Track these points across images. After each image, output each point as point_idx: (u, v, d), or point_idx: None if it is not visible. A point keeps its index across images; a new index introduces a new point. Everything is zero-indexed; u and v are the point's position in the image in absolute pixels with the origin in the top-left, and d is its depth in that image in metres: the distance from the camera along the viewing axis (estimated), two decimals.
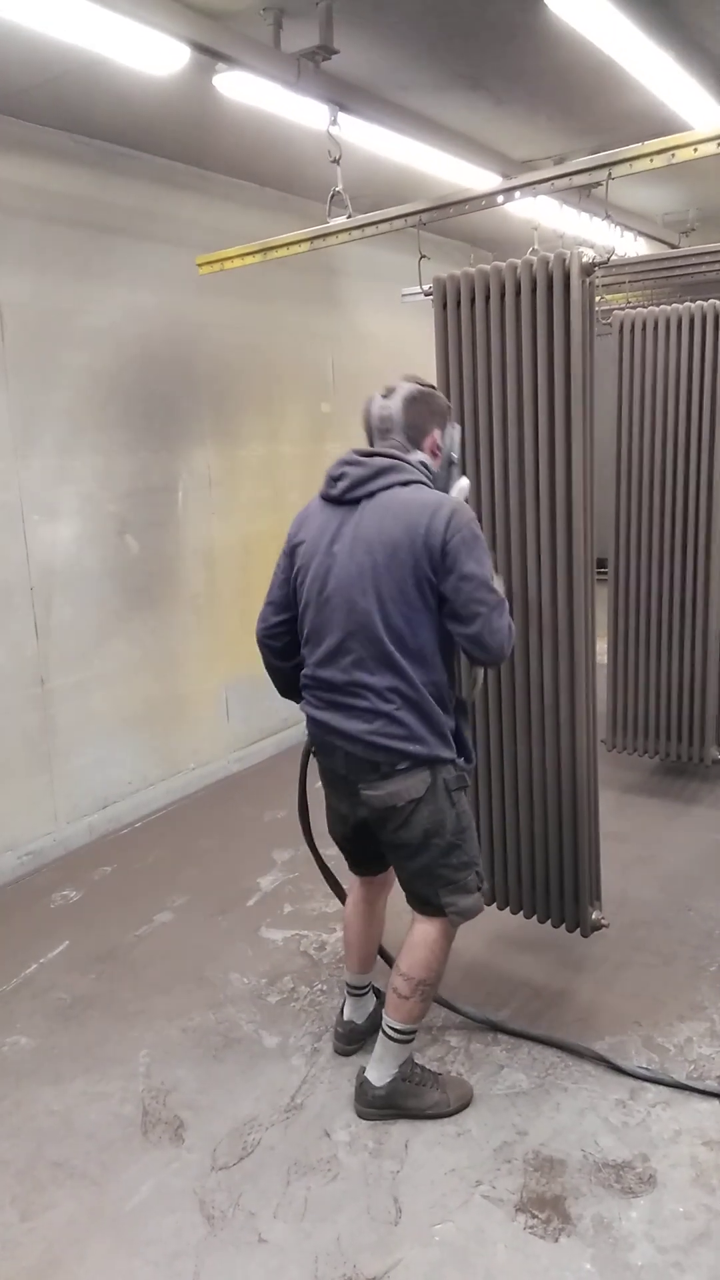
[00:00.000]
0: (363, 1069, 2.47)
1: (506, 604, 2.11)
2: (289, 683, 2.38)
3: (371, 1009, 2.63)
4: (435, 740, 2.13)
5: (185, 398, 4.43)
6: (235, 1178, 2.22)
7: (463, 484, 2.29)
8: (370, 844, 2.35)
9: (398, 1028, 2.30)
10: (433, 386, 2.26)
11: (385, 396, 2.19)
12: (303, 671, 2.27)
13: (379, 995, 2.65)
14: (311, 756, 2.40)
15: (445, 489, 2.22)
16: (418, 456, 2.18)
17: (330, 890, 2.81)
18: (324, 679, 2.18)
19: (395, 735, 2.09)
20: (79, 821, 4.07)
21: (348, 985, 2.62)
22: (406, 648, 2.08)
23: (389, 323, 5.43)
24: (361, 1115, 2.37)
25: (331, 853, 2.63)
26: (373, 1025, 2.55)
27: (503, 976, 2.91)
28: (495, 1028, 2.67)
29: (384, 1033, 2.33)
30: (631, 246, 5.16)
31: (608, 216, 2.82)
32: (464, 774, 2.23)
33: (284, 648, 2.35)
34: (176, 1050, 2.68)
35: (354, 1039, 2.61)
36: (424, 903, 2.27)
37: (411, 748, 2.10)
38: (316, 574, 2.17)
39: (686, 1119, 2.31)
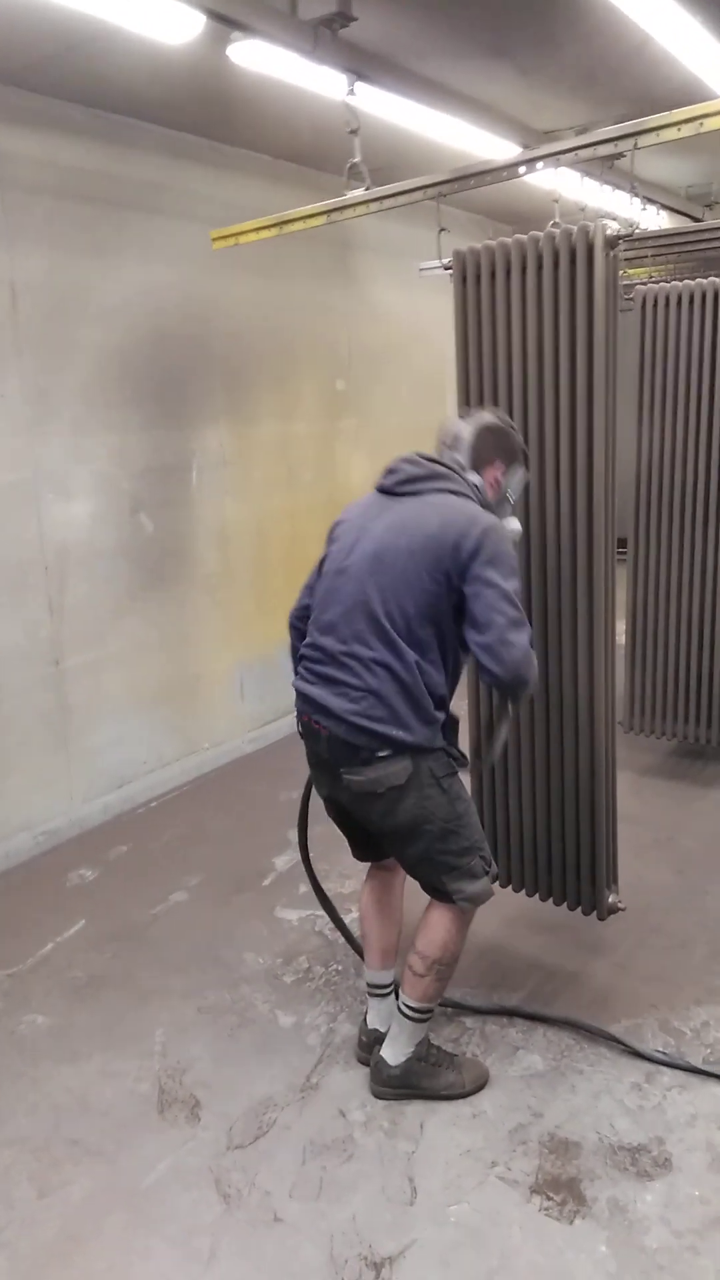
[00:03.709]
0: (378, 1048, 2.48)
1: (528, 627, 2.11)
2: None
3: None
4: (421, 727, 2.10)
5: (199, 375, 4.39)
6: (251, 1157, 2.23)
7: (513, 526, 2.33)
8: (361, 827, 2.34)
9: (413, 1005, 2.30)
10: (513, 428, 2.32)
11: (463, 418, 2.28)
12: (304, 641, 2.28)
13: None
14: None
15: None
16: (474, 478, 2.23)
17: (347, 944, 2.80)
18: (321, 646, 2.19)
19: (379, 718, 2.07)
20: (95, 801, 4.08)
21: (369, 985, 2.52)
22: (407, 633, 2.08)
23: (406, 298, 5.36)
24: (377, 1095, 2.37)
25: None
26: None
27: (518, 958, 2.90)
28: (510, 1013, 2.66)
29: (399, 1010, 2.33)
30: (654, 220, 5.06)
31: (633, 189, 2.74)
32: (454, 761, 2.20)
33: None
34: (192, 1029, 2.69)
35: (377, 1048, 2.46)
36: (432, 888, 2.26)
37: (395, 733, 2.08)
38: (344, 545, 2.22)
39: (703, 1103, 2.30)
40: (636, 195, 4.10)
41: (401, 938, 2.49)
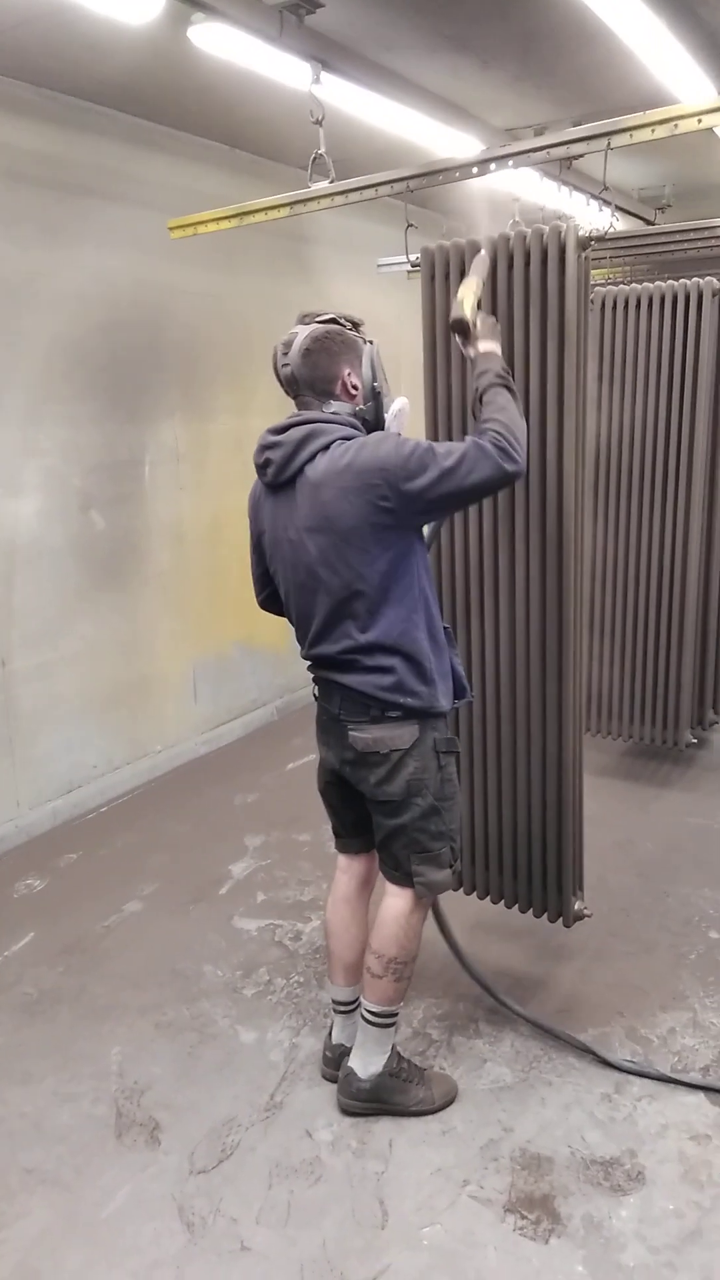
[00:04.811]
0: (345, 1059, 2.42)
1: (472, 441, 1.93)
2: None
3: None
4: (426, 690, 2.08)
5: (154, 367, 4.27)
6: (215, 1182, 2.15)
7: (399, 405, 2.10)
8: (351, 800, 2.29)
9: (374, 1010, 2.24)
10: (330, 319, 2.07)
11: (285, 353, 2.05)
12: (302, 654, 2.23)
13: None
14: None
15: (380, 419, 2.08)
16: (334, 405, 2.06)
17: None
18: (320, 656, 2.16)
19: (387, 687, 2.06)
20: (42, 807, 3.94)
21: (333, 1001, 2.42)
22: (383, 600, 2.02)
23: (363, 293, 5.28)
24: (345, 1109, 2.30)
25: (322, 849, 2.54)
26: None
27: (483, 966, 2.85)
28: (501, 1003, 2.62)
29: (362, 1016, 2.27)
30: (609, 221, 5.06)
31: (603, 189, 2.71)
32: (454, 739, 2.20)
33: (281, 610, 2.32)
34: (150, 1047, 2.60)
35: (343, 1064, 2.39)
36: (395, 867, 2.21)
37: (404, 699, 2.07)
38: (285, 563, 2.14)
39: (672, 1112, 2.29)
40: (601, 197, 4.09)
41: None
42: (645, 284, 3.70)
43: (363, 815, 2.30)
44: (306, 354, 2.03)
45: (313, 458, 2.01)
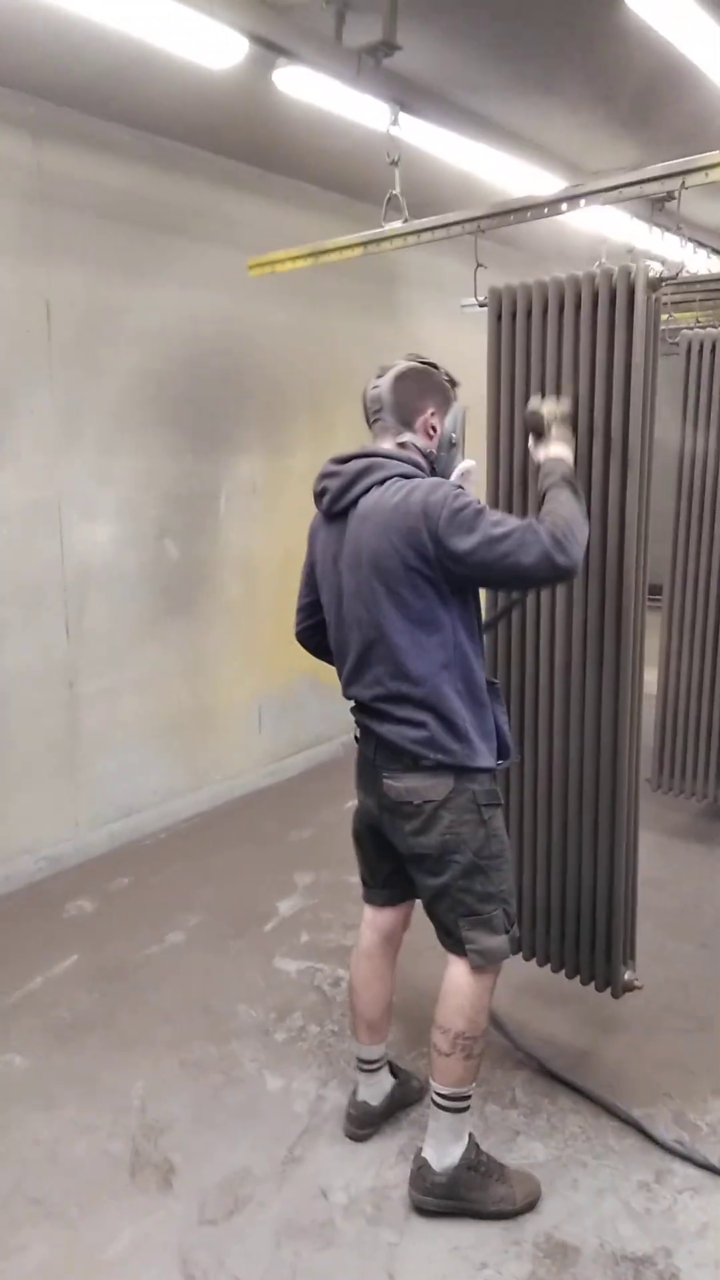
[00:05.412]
0: (371, 1118, 2.32)
1: (530, 523, 1.86)
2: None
3: (390, 1089, 2.36)
4: (461, 749, 1.97)
5: (233, 402, 4.33)
6: (222, 1234, 2.08)
7: (466, 466, 2.09)
8: (385, 849, 2.18)
9: (443, 1093, 2.06)
10: (433, 365, 2.09)
11: (378, 377, 2.07)
12: (343, 694, 2.17)
13: (396, 1072, 2.41)
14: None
15: (446, 472, 2.07)
16: (407, 436, 2.04)
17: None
18: (355, 697, 2.10)
19: (418, 741, 1.98)
20: (100, 829, 3.98)
21: (358, 1060, 2.33)
22: (411, 649, 1.95)
23: (449, 334, 5.26)
24: (417, 1206, 2.09)
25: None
26: (391, 1108, 2.36)
27: (526, 1031, 2.72)
28: (542, 1067, 2.50)
29: (433, 1102, 2.09)
30: (705, 264, 4.95)
31: (679, 229, 2.63)
32: (495, 791, 2.07)
33: (319, 645, 2.29)
34: (174, 1084, 2.55)
35: (367, 1123, 2.33)
36: (446, 933, 2.08)
37: (436, 755, 1.97)
38: (331, 594, 2.11)
39: (716, 1210, 2.11)
40: (684, 238, 3.98)
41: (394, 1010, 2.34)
42: None
43: (397, 868, 2.20)
44: (400, 378, 2.04)
45: (367, 490, 1.98)
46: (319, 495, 2.09)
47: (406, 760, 2.00)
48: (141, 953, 3.21)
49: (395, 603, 1.93)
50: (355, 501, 2.00)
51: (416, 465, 2.02)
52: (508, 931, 2.07)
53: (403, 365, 2.07)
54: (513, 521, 1.86)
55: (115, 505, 3.86)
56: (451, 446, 2.08)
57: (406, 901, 2.29)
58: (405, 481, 1.96)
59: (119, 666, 3.97)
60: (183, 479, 4.13)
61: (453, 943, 2.07)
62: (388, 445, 2.06)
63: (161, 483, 4.04)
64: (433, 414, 2.06)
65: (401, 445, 2.05)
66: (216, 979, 3.05)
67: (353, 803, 2.29)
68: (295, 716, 4.88)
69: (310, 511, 2.22)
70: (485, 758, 2.02)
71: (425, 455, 2.06)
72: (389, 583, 1.92)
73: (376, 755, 2.07)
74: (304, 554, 2.27)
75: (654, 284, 2.10)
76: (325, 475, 2.08)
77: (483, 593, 2.12)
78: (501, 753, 2.08)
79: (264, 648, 4.60)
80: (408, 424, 2.05)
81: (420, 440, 2.06)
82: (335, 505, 2.04)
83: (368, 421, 2.12)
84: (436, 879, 2.03)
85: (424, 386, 2.06)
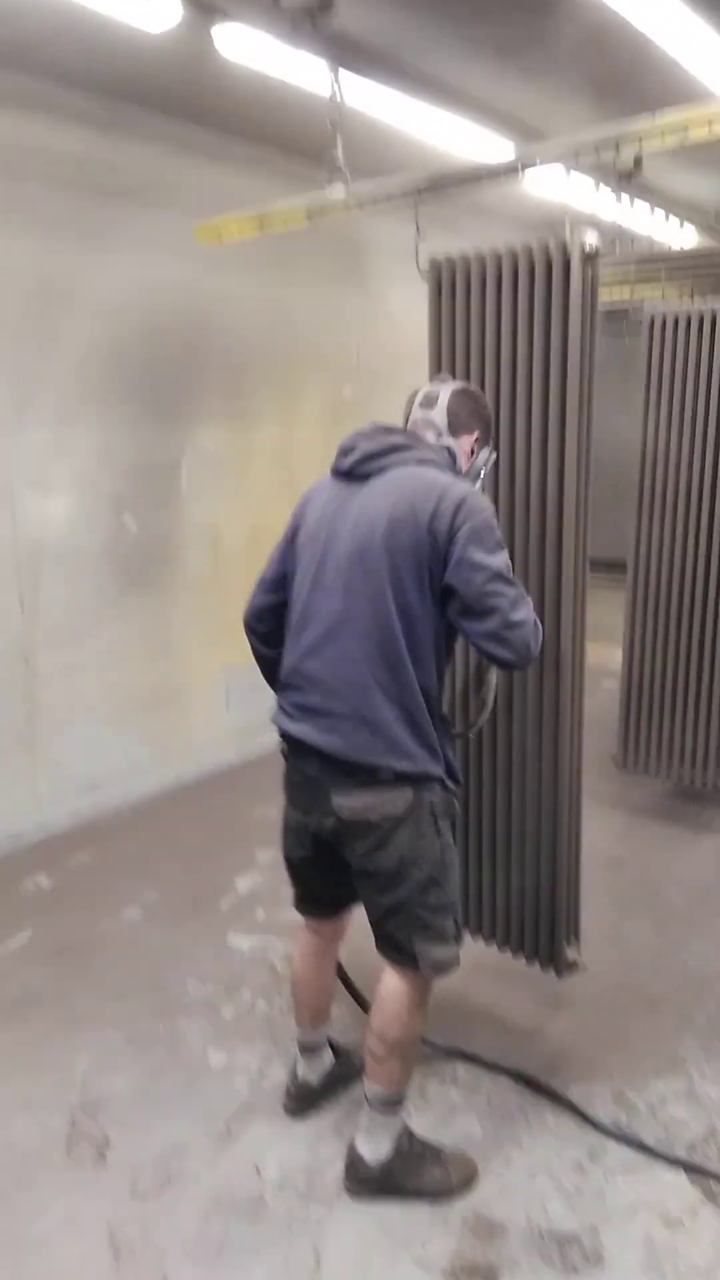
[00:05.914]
0: (311, 1096, 2.32)
1: (527, 597, 1.90)
2: (277, 673, 2.15)
3: (329, 1067, 2.37)
4: (423, 754, 1.92)
5: (195, 373, 4.27)
6: (152, 1209, 2.08)
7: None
8: (329, 871, 2.10)
9: (378, 1094, 2.05)
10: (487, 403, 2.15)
11: (437, 382, 2.10)
12: (281, 667, 2.07)
13: (336, 1050, 2.41)
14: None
15: None
16: (449, 441, 2.02)
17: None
18: (304, 672, 1.98)
19: (378, 750, 1.89)
20: (61, 806, 3.97)
21: (300, 1043, 2.34)
22: (399, 643, 1.88)
23: (422, 304, 5.21)
24: (352, 1194, 2.09)
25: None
26: (329, 1086, 2.36)
27: (472, 1010, 2.72)
28: (466, 1057, 2.50)
29: (366, 1101, 2.07)
30: (677, 235, 4.86)
31: (619, 190, 2.56)
32: (452, 798, 2.01)
33: (270, 633, 2.15)
34: (117, 1060, 2.55)
35: (306, 1101, 2.33)
36: (395, 949, 2.00)
37: (398, 764, 1.89)
38: (314, 553, 1.99)
39: (647, 1190, 2.11)
40: (654, 208, 3.90)
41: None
42: (695, 305, 3.50)
43: (339, 887, 2.13)
44: (461, 393, 2.06)
45: (404, 463, 1.95)
46: (346, 450, 2.01)
47: (362, 775, 1.92)
48: (96, 929, 3.21)
49: (393, 576, 1.87)
50: (385, 469, 1.95)
51: (449, 467, 2.01)
52: (456, 939, 2.04)
53: (464, 384, 2.10)
54: (520, 589, 1.90)
55: (70, 479, 3.82)
56: (476, 477, 2.08)
57: (348, 907, 2.24)
58: (448, 474, 1.96)
59: (78, 643, 3.94)
60: (143, 451, 4.08)
61: (403, 958, 2.00)
62: (430, 439, 2.04)
63: (120, 456, 3.98)
64: (476, 439, 2.08)
65: (445, 447, 2.03)
66: (170, 955, 3.04)
67: None
68: (265, 694, 4.78)
69: (280, 485, 2.18)
70: (440, 765, 1.97)
71: (454, 464, 2.04)
72: (395, 554, 1.87)
73: (322, 772, 1.97)
74: (275, 528, 2.15)
75: (589, 256, 2.05)
76: (362, 434, 2.01)
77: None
78: (452, 778, 2.03)
79: (231, 624, 4.48)
80: (454, 434, 2.04)
81: (458, 452, 2.04)
82: (362, 466, 1.97)
83: (406, 415, 2.08)
84: (390, 896, 1.97)
85: (479, 413, 2.09)
